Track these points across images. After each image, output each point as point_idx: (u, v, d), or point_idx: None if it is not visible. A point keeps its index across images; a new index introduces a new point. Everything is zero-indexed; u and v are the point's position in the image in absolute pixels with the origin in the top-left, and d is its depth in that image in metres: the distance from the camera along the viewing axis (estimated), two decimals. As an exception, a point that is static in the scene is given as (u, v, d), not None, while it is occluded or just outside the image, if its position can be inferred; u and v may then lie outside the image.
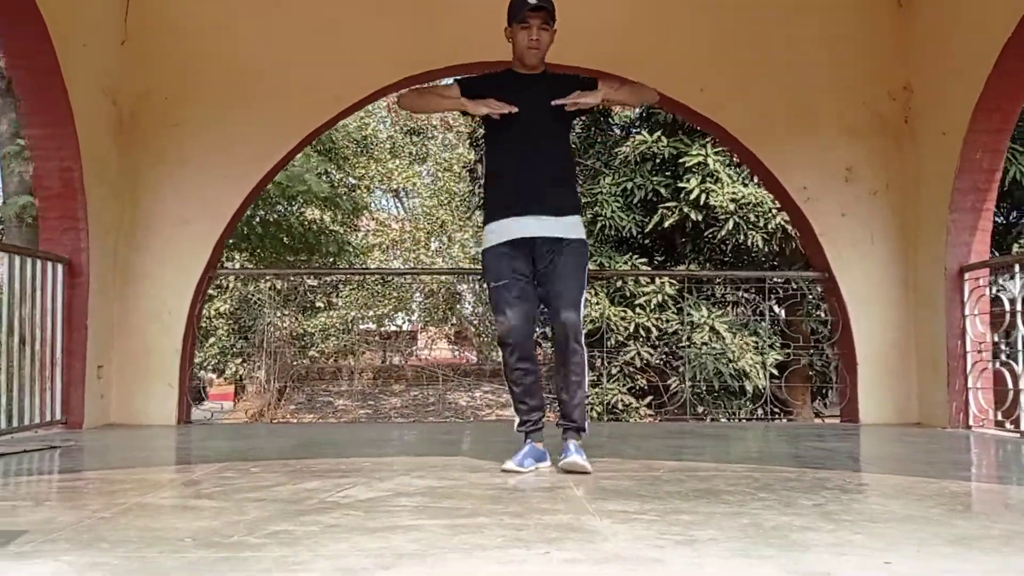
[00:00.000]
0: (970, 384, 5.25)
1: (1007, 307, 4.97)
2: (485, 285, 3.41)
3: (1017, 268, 4.97)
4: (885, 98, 5.78)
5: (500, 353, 3.38)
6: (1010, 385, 4.98)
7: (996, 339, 5.24)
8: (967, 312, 5.28)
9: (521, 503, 2.54)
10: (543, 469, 3.26)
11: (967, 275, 5.30)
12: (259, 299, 17.19)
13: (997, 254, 8.62)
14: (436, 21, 5.78)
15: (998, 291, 5.16)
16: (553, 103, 3.31)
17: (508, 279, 3.28)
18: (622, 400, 9.50)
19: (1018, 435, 4.81)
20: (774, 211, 8.89)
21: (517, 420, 3.38)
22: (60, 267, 5.03)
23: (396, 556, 1.87)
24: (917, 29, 5.65)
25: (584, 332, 3.33)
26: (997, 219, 9.55)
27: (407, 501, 2.57)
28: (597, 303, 9.33)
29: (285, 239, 14.70)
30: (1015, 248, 8.92)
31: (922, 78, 5.64)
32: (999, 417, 5.16)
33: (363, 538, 2.05)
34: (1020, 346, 4.89)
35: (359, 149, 21.45)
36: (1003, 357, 5.12)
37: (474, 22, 5.68)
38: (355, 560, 1.83)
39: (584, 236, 3.43)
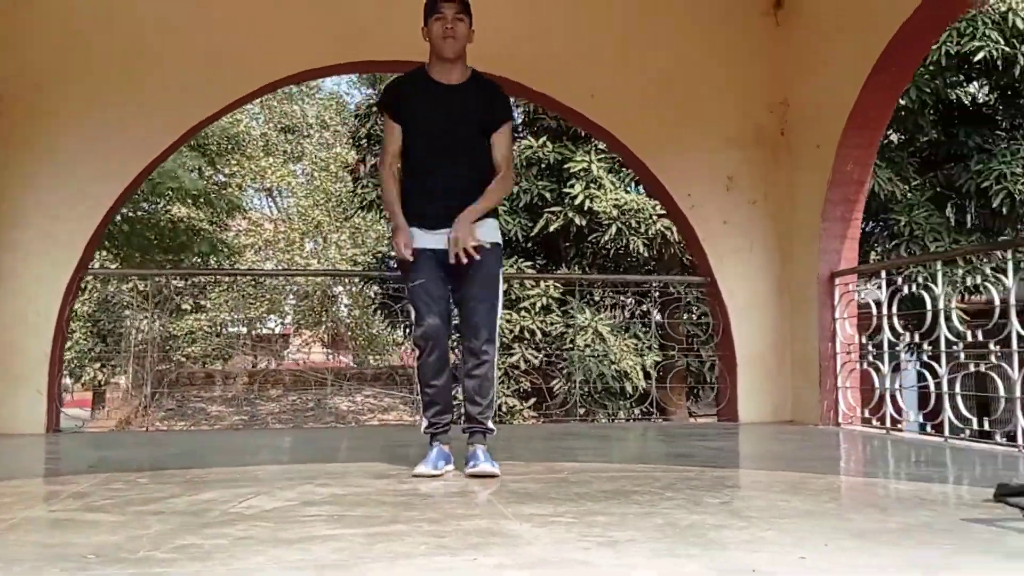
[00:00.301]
0: (840, 383, 5.54)
1: (874, 311, 5.28)
2: (405, 284, 3.34)
3: (884, 274, 5.30)
4: (764, 111, 6.04)
5: (416, 353, 3.31)
6: (876, 384, 5.30)
7: (864, 341, 5.55)
8: (837, 316, 5.58)
9: (436, 509, 2.52)
10: (449, 472, 3.23)
11: (837, 280, 5.60)
12: (121, 300, 16.39)
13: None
14: (332, 17, 5.64)
15: (865, 295, 5.47)
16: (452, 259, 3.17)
17: (425, 278, 3.23)
18: (506, 402, 9.55)
19: (884, 431, 5.11)
20: (655, 217, 9.15)
21: (425, 423, 3.32)
22: (-86, 265, 4.65)
23: (318, 568, 1.82)
24: (793, 46, 5.93)
25: (495, 340, 3.29)
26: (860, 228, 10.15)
27: (317, 511, 2.50)
28: (481, 306, 9.34)
29: (152, 237, 14.06)
30: (872, 256, 9.49)
31: (798, 93, 5.93)
32: (866, 414, 5.48)
33: (279, 550, 1.98)
34: (886, 348, 5.20)
35: (230, 146, 20.73)
36: (870, 358, 5.44)
37: (370, 20, 5.63)
38: (275, 572, 1.77)
39: (497, 239, 3.34)
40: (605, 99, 5.98)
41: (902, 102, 8.48)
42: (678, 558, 1.90)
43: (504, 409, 9.56)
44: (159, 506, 2.56)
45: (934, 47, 8.09)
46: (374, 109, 11.72)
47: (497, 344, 3.30)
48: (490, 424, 3.30)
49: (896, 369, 5.26)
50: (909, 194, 9.01)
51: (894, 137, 9.88)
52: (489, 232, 3.32)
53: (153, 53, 5.46)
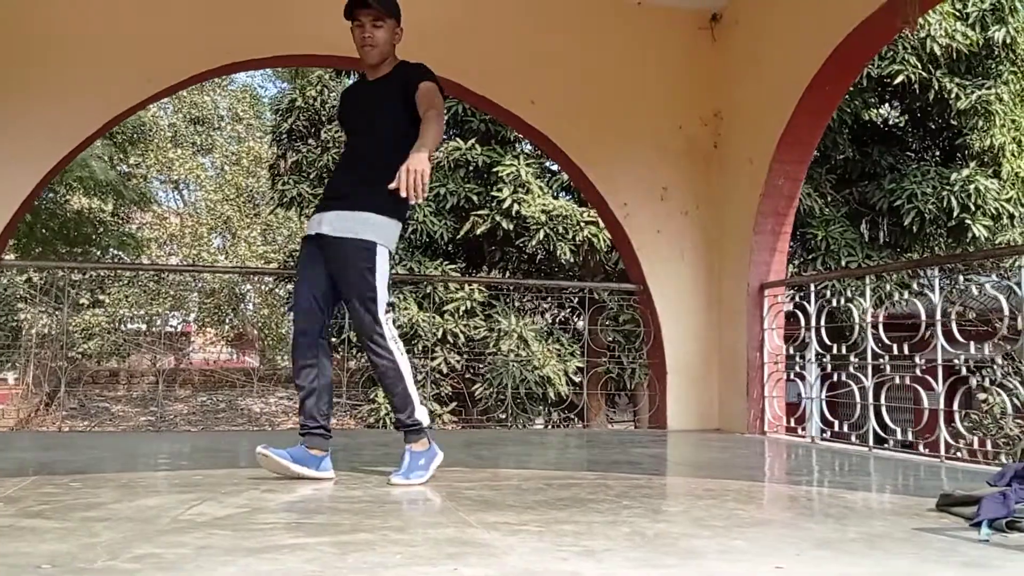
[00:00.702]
0: (766, 393, 5.68)
1: (802, 322, 5.43)
2: None
3: (812, 287, 5.45)
4: (698, 123, 6.15)
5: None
6: (802, 394, 5.45)
7: (791, 352, 5.70)
8: (766, 326, 5.72)
9: (398, 517, 2.45)
10: (318, 475, 3.13)
11: (767, 292, 5.74)
12: (15, 293, 15.62)
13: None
14: (260, 9, 5.48)
15: (795, 307, 5.61)
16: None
17: (299, 268, 3.27)
18: (428, 406, 9.47)
19: (808, 440, 5.25)
20: (582, 223, 9.22)
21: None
22: None
23: (298, 579, 1.74)
24: (729, 61, 6.06)
25: (377, 329, 3.11)
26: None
27: (273, 518, 2.41)
28: (406, 308, 9.26)
29: (54, 227, 13.46)
30: (789, 269, 9.78)
31: (732, 107, 6.05)
32: (791, 423, 5.63)
33: (249, 559, 1.89)
34: (813, 358, 5.36)
35: (137, 135, 19.98)
36: (796, 368, 5.59)
37: (297, 13, 5.49)
38: (256, 585, 1.69)
39: (364, 236, 3.13)
40: (545, 105, 5.99)
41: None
42: (658, 568, 1.90)
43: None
44: (102, 512, 2.42)
45: (855, 69, 8.38)
46: (297, 104, 11.48)
47: (383, 339, 3.12)
48: (409, 421, 3.16)
49: (823, 380, 5.42)
50: (826, 209, 9.32)
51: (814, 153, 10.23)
52: (359, 226, 3.14)
53: (76, 39, 5.20)
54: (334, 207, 3.20)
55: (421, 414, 3.18)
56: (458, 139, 9.76)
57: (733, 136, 6.06)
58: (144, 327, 19.72)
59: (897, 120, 10.36)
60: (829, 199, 9.56)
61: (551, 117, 5.99)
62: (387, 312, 3.17)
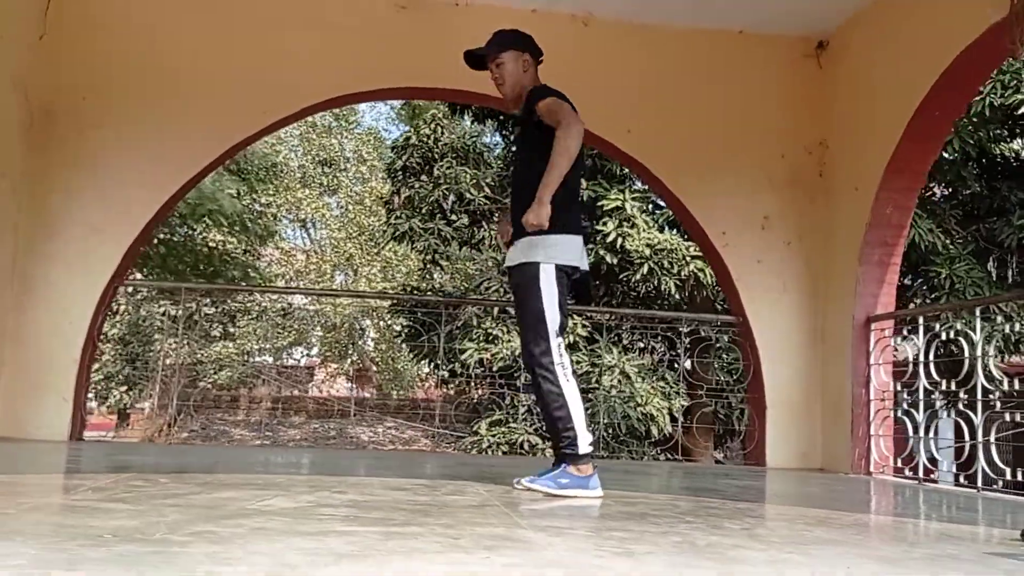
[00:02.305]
0: (872, 431, 5.43)
1: (910, 358, 5.19)
2: None
3: (921, 320, 5.21)
4: (802, 152, 6.03)
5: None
6: (911, 433, 5.18)
7: (898, 388, 5.44)
8: (872, 361, 5.49)
9: (451, 516, 2.49)
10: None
11: (873, 325, 5.52)
12: (152, 324, 16.54)
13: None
14: (371, 43, 5.74)
15: (903, 341, 5.38)
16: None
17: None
18: (528, 440, 9.47)
19: (916, 482, 4.99)
20: (688, 258, 9.10)
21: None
22: (-45, 265, 4.74)
23: (335, 556, 1.80)
24: (836, 89, 5.93)
25: (542, 358, 3.22)
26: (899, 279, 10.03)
27: (333, 511, 2.48)
28: (509, 341, 9.33)
29: (187, 260, 14.24)
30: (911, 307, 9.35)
31: (838, 135, 5.91)
32: (899, 464, 5.36)
33: (296, 539, 1.97)
34: (921, 396, 5.10)
35: (269, 175, 21.07)
36: (904, 406, 5.33)
37: (410, 46, 5.72)
38: (293, 557, 1.75)
39: (529, 259, 3.23)
40: (642, 135, 6.00)
41: (945, 154, 8.43)
42: (694, 569, 1.86)
43: (526, 447, 9.48)
44: (178, 500, 2.55)
45: (978, 99, 8.04)
46: (411, 142, 11.86)
47: (543, 367, 3.21)
48: (562, 450, 3.22)
49: (931, 419, 5.14)
50: (950, 247, 8.89)
51: (937, 189, 9.80)
52: (521, 253, 3.28)
53: (195, 73, 5.57)
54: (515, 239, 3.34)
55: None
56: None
57: (839, 164, 5.90)
58: (271, 360, 20.58)
59: (1030, 155, 9.82)
60: (954, 236, 9.11)
61: (648, 146, 5.99)
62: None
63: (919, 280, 9.25)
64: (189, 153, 5.56)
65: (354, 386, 22.27)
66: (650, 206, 9.61)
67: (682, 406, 9.50)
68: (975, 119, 8.24)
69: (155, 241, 12.63)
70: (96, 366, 15.76)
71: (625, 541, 2.19)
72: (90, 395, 16.39)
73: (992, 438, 4.47)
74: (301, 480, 3.40)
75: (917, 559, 2.18)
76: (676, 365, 10.06)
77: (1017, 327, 7.56)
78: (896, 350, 5.61)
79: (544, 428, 3.38)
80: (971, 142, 8.37)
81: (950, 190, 9.61)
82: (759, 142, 6.03)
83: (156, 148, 5.46)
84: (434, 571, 1.69)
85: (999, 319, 8.14)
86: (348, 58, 5.74)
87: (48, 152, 5.36)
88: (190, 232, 14.75)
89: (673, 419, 9.42)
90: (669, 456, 9.75)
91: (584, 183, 9.75)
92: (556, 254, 3.22)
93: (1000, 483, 4.43)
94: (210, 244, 14.93)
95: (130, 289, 14.53)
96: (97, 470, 3.55)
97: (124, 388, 16.71)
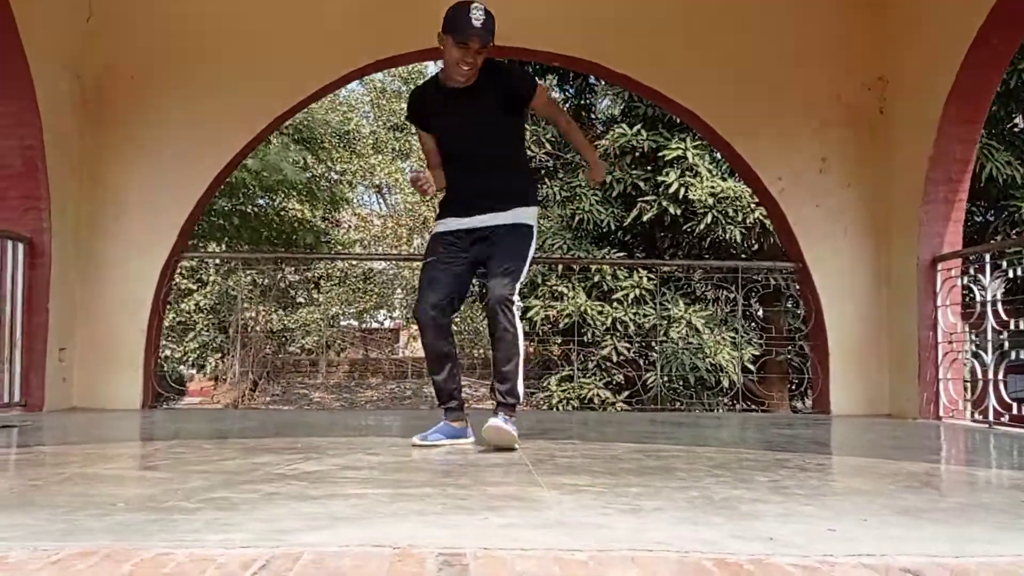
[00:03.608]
0: (941, 375, 5.24)
1: (978, 298, 4.96)
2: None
3: (988, 259, 4.97)
4: (859, 90, 5.77)
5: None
6: (979, 376, 4.97)
7: (967, 330, 5.22)
8: (939, 303, 5.27)
9: (471, 476, 2.50)
10: (462, 444, 3.34)
11: (939, 266, 5.29)
12: (238, 293, 17.05)
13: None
14: (408, 3, 5.70)
15: (970, 282, 5.14)
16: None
17: (436, 256, 3.39)
18: (599, 394, 9.46)
19: (986, 425, 4.79)
20: (752, 205, 8.88)
21: (437, 398, 3.49)
22: (21, 247, 4.95)
23: (331, 519, 1.82)
24: (891, 21, 5.64)
25: (518, 313, 3.30)
26: (976, 217, 9.58)
27: (354, 474, 2.52)
28: (573, 297, 9.29)
29: (263, 231, 14.59)
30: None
31: (896, 69, 5.63)
32: (969, 408, 5.16)
33: (302, 504, 2.00)
34: (989, 336, 4.88)
35: (341, 143, 21.32)
36: (973, 348, 5.11)
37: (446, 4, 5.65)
38: (289, 523, 1.78)
39: (529, 221, 3.41)
40: (692, 81, 5.84)
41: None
42: (697, 526, 1.82)
43: (596, 401, 9.47)
44: (209, 467, 2.63)
45: (1056, 20, 7.53)
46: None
47: (512, 318, 3.24)
48: (509, 399, 3.27)
49: (1000, 360, 4.92)
50: (1031, 179, 8.45)
51: (1019, 120, 9.30)
52: (516, 217, 3.38)
53: (237, 45, 5.65)
54: (488, 211, 3.39)
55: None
56: (624, 126, 9.67)
57: (898, 101, 5.63)
58: (355, 323, 21.04)
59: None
60: (1036, 167, 8.65)
61: (697, 92, 5.83)
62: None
63: (1001, 215, 8.83)
64: (235, 126, 5.66)
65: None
66: (713, 154, 9.37)
67: (753, 356, 9.34)
68: (1056, 41, 7.73)
69: (232, 212, 12.97)
70: (191, 335, 16.42)
71: (639, 497, 2.16)
72: (188, 362, 17.11)
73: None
74: (342, 443, 3.46)
75: (943, 509, 2.09)
76: (746, 314, 9.88)
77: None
78: (973, 280, 5.36)
79: (496, 374, 3.34)
80: (1052, 66, 7.88)
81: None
82: (815, 81, 5.80)
83: (204, 123, 5.58)
84: (425, 534, 1.70)
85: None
86: (390, 18, 5.70)
87: (102, 131, 5.52)
88: (269, 202, 15.13)
89: (745, 369, 9.28)
90: (741, 407, 9.63)
91: (644, 134, 9.58)
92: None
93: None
94: (284, 213, 15.26)
95: (216, 260, 15.03)
96: (150, 438, 3.69)
97: (219, 355, 17.36)
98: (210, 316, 17.12)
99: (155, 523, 1.76)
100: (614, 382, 9.66)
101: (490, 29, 3.22)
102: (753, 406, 9.75)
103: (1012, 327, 4.70)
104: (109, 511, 1.88)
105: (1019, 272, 4.71)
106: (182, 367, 16.55)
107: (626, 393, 9.61)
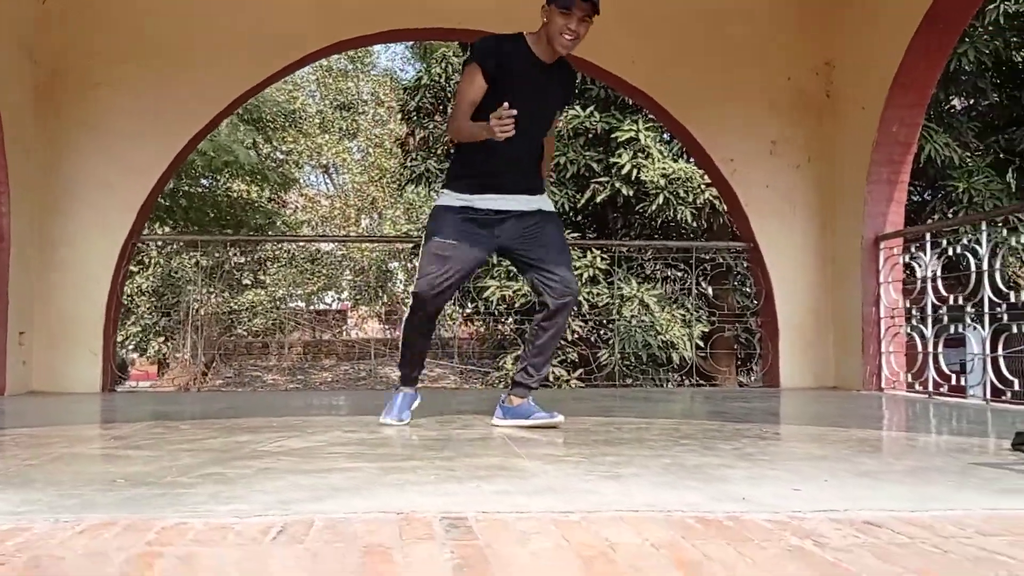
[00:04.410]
0: (883, 349, 5.49)
1: (919, 275, 5.21)
2: (424, 240, 3.27)
3: (928, 238, 5.21)
4: (809, 74, 5.97)
5: (409, 308, 3.29)
6: (919, 349, 5.23)
7: (908, 306, 5.47)
8: (882, 280, 5.51)
9: (454, 450, 2.60)
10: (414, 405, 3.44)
11: (882, 245, 5.53)
12: (183, 275, 16.83)
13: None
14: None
15: (911, 259, 5.39)
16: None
17: (455, 241, 3.20)
18: (553, 372, 9.62)
19: (926, 396, 5.05)
20: (703, 187, 9.08)
21: (401, 375, 3.48)
22: (-22, 230, 4.89)
23: (332, 490, 1.91)
24: (840, 7, 5.83)
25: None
26: (913, 197, 9.93)
27: (342, 449, 2.61)
28: (529, 276, 9.40)
29: (210, 212, 14.42)
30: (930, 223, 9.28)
31: (843, 55, 5.83)
32: (909, 379, 5.42)
33: (299, 477, 2.09)
34: (929, 312, 5.13)
35: (287, 122, 21.06)
36: (914, 323, 5.37)
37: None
38: (292, 494, 1.87)
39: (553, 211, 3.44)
40: (646, 64, 5.96)
41: (963, 64, 8.26)
42: (675, 489, 1.96)
43: (551, 379, 9.63)
44: (194, 445, 2.69)
45: (991, 6, 7.86)
46: (423, 82, 11.82)
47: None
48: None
49: (940, 334, 5.17)
50: (968, 160, 8.78)
51: (956, 102, 9.63)
52: (547, 203, 3.40)
53: (197, 26, 5.62)
54: (523, 192, 3.31)
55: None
56: (577, 107, 9.79)
57: (845, 85, 5.84)
58: (303, 305, 20.90)
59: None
60: (972, 148, 8.99)
61: (652, 76, 5.97)
62: None
63: (938, 195, 9.17)
64: (194, 107, 5.64)
65: (387, 327, 22.59)
66: (665, 136, 9.54)
67: (703, 333, 9.58)
68: (990, 28, 8.05)
69: (178, 193, 12.79)
70: (132, 318, 16.15)
71: (616, 465, 2.29)
72: (130, 347, 16.85)
73: (1000, 351, 4.51)
74: (316, 422, 3.53)
75: (898, 471, 2.26)
76: (697, 293, 10.12)
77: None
78: (914, 258, 5.60)
79: (536, 360, 3.40)
80: (987, 51, 8.20)
81: (970, 101, 9.44)
82: (764, 66, 5.98)
83: (162, 104, 5.54)
84: (423, 502, 1.80)
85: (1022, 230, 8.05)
86: (350, 1, 5.73)
87: (59, 114, 5.46)
88: (214, 183, 14.92)
89: (695, 346, 9.53)
90: (691, 382, 9.88)
91: (597, 115, 9.71)
92: None
93: (1008, 394, 4.48)
94: (231, 194, 15.09)
95: (159, 242, 14.80)
96: (122, 420, 3.72)
97: (162, 339, 17.12)
98: (152, 299, 16.87)
99: (161, 497, 1.83)
100: (568, 360, 9.84)
101: (593, 1, 3.13)
102: (703, 381, 10.03)
103: (951, 302, 4.94)
104: (112, 487, 1.95)
105: (957, 250, 4.94)
106: (123, 351, 16.30)
107: (580, 371, 9.80)
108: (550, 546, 1.42)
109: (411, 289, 3.25)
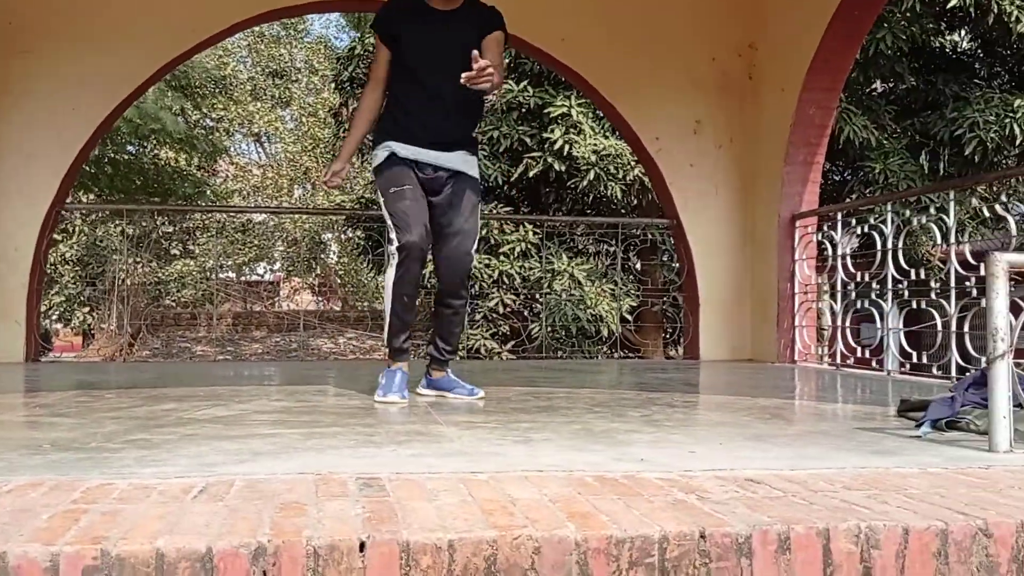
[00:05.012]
0: (796, 323, 5.74)
1: (829, 251, 5.46)
2: (381, 198, 3.21)
3: (840, 217, 5.46)
4: (732, 55, 6.14)
5: (394, 267, 3.13)
6: (829, 323, 5.49)
7: (820, 282, 5.73)
8: (796, 257, 5.75)
9: (375, 417, 2.71)
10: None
11: (798, 223, 5.76)
12: (109, 244, 16.47)
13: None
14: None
15: (824, 239, 5.63)
16: (468, 73, 2.91)
17: (411, 184, 3.17)
18: (485, 345, 9.74)
19: (834, 367, 5.32)
20: (632, 163, 9.24)
21: (396, 337, 3.27)
22: None
23: (253, 454, 2.00)
24: (762, -9, 6.02)
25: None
26: (834, 176, 10.27)
27: (265, 417, 2.69)
28: (461, 249, 9.47)
29: (137, 180, 14.13)
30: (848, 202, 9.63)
31: (766, 37, 6.02)
32: (821, 352, 5.69)
33: (222, 443, 2.17)
34: (839, 288, 5.39)
35: (217, 89, 20.61)
36: (825, 298, 5.63)
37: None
38: (214, 457, 1.95)
39: (477, 175, 3.36)
40: (576, 42, 6.07)
41: (881, 49, 8.55)
42: (581, 452, 2.10)
43: (483, 352, 9.76)
44: (118, 413, 2.74)
45: (908, -7, 8.16)
46: (356, 52, 11.72)
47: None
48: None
49: (847, 309, 5.43)
50: (885, 141, 9.12)
51: (878, 85, 9.96)
52: (472, 167, 3.33)
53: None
54: (446, 147, 3.25)
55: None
56: (510, 82, 9.85)
57: (766, 67, 6.03)
58: (233, 276, 20.64)
59: (967, 47, 9.99)
60: (889, 131, 9.33)
61: (582, 54, 6.08)
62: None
63: (856, 175, 9.51)
64: (119, 74, 5.57)
65: (320, 299, 22.46)
66: (597, 112, 9.67)
67: (631, 307, 9.81)
68: (907, 14, 8.35)
69: (103, 160, 12.49)
70: (55, 288, 15.77)
71: (529, 431, 2.42)
72: (53, 317, 16.46)
73: (901, 324, 4.78)
74: (243, 391, 3.59)
75: (788, 435, 2.44)
76: (625, 267, 10.35)
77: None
78: (827, 237, 5.84)
79: (441, 333, 3.41)
80: (903, 37, 8.50)
81: (890, 84, 9.78)
82: (691, 47, 6.13)
83: (85, 71, 5.46)
84: (341, 463, 1.90)
85: (932, 210, 8.42)
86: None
87: (-24, 80, 5.33)
88: (140, 150, 14.59)
89: (623, 320, 9.75)
90: (619, 355, 10.13)
91: (531, 90, 9.79)
92: None
93: (907, 366, 4.75)
94: (158, 162, 14.79)
95: (84, 211, 14.46)
96: (47, 389, 3.72)
97: (86, 310, 16.76)
98: (77, 268, 16.48)
99: (87, 460, 1.90)
100: (500, 333, 9.97)
101: None
102: (630, 354, 10.28)
103: (859, 279, 5.20)
104: (38, 451, 2.01)
105: (865, 229, 5.20)
106: (46, 322, 15.93)
107: (511, 343, 9.95)
108: (455, 501, 1.54)
109: (393, 246, 3.14)
